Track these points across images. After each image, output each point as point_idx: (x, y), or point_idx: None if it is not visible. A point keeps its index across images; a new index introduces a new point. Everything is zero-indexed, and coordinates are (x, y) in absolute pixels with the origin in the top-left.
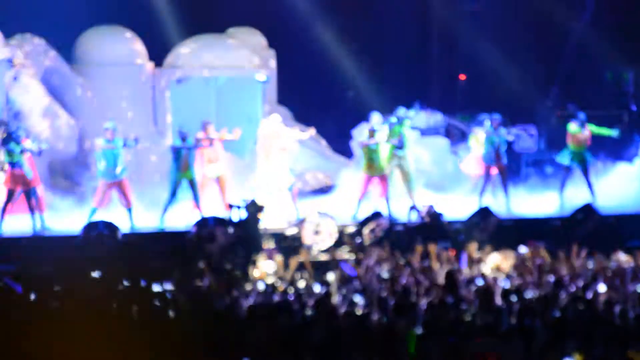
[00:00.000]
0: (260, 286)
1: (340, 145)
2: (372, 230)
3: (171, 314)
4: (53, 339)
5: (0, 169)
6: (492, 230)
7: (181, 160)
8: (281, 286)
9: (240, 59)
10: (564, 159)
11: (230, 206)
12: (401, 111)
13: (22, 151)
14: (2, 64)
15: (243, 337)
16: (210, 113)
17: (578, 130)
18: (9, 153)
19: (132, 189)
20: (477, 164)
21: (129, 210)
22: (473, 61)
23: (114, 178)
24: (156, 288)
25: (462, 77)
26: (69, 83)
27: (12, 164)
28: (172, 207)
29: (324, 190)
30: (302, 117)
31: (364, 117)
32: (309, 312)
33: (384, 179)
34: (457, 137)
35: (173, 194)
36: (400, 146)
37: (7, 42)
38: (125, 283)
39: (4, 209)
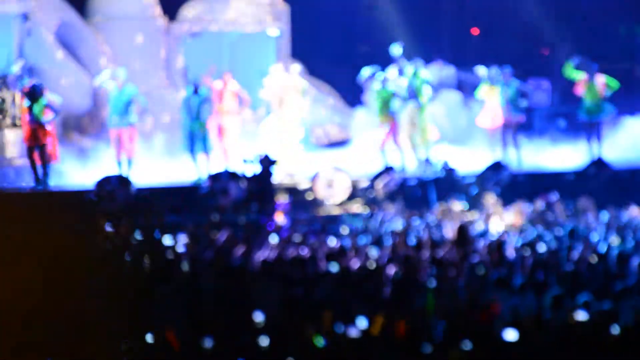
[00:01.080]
0: (274, 240)
1: (354, 99)
2: (385, 185)
3: (185, 267)
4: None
5: (13, 124)
6: (505, 184)
7: (192, 110)
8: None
9: (254, 14)
10: (582, 113)
11: (244, 160)
12: (418, 62)
13: (46, 106)
14: (16, 18)
15: (256, 292)
16: (224, 68)
17: (581, 77)
18: (32, 108)
19: (137, 140)
20: (492, 118)
21: (129, 160)
22: (486, 15)
23: (118, 125)
24: (168, 241)
25: (475, 31)
26: (83, 37)
27: (33, 119)
28: (195, 156)
29: (339, 143)
30: (316, 71)
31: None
32: (322, 266)
33: (395, 126)
34: (470, 90)
35: (191, 144)
36: (411, 96)
37: None
38: (138, 237)
39: (33, 166)
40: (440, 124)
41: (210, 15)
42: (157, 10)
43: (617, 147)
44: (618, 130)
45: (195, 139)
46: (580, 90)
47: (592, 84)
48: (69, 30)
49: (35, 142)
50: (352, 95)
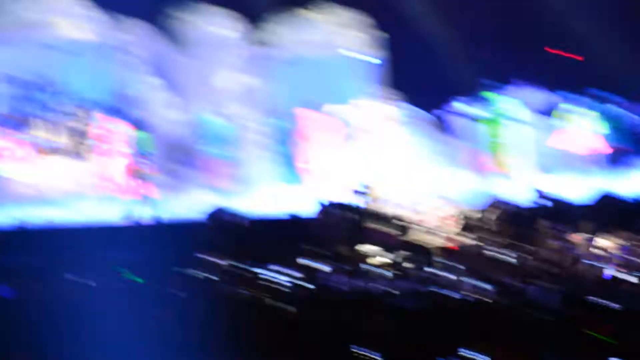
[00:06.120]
0: (385, 274)
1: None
2: (495, 214)
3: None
4: None
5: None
6: (611, 214)
7: (283, 138)
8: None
9: (348, 39)
10: None
11: (354, 191)
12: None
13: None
14: (114, 49)
15: (361, 326)
16: (317, 94)
17: None
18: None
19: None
20: (574, 142)
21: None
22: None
23: (215, 156)
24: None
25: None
26: (178, 66)
27: (138, 151)
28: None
29: None
30: (413, 100)
31: None
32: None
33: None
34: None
35: (284, 172)
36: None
37: (116, 27)
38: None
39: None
40: (528, 149)
41: (304, 41)
42: (250, 36)
43: None
44: None
45: (287, 167)
46: None
47: None
48: (164, 59)
49: (139, 174)
50: (448, 124)
